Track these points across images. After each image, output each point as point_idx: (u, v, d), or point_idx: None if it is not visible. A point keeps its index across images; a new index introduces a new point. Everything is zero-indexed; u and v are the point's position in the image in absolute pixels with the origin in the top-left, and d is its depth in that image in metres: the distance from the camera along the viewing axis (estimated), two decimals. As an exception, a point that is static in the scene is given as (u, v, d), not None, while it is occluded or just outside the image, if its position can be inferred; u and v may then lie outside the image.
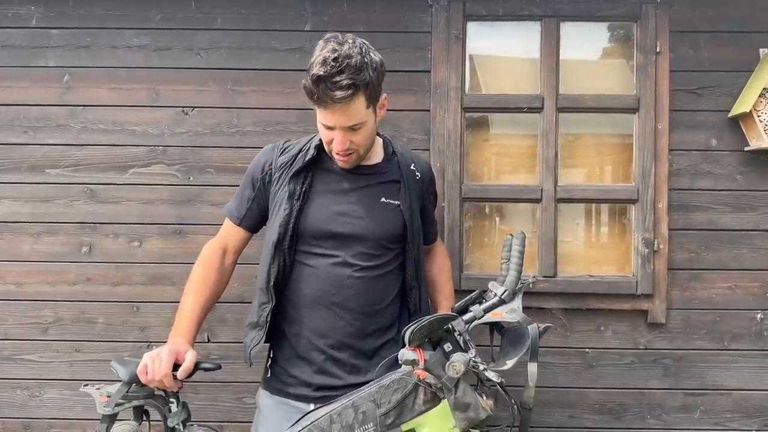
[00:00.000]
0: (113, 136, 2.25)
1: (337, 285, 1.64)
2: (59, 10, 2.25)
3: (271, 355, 1.75)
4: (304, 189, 1.65)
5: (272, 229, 1.67)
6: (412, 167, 1.77)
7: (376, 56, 1.55)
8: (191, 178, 2.25)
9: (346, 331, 1.65)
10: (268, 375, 1.74)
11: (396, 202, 1.70)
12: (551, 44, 2.23)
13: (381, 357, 1.65)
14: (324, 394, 1.60)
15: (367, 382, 1.57)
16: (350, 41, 1.51)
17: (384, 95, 1.63)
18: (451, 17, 2.23)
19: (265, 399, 1.73)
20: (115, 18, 2.25)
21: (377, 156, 1.75)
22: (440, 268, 1.95)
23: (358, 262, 1.65)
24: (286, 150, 1.72)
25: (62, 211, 2.25)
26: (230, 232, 1.78)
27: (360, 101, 1.52)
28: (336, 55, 1.47)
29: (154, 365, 1.51)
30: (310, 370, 1.66)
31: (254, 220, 1.76)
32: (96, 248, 2.25)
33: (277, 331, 1.72)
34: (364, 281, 1.65)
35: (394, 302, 1.73)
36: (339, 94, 1.47)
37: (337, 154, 1.61)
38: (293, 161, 1.68)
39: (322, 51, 1.49)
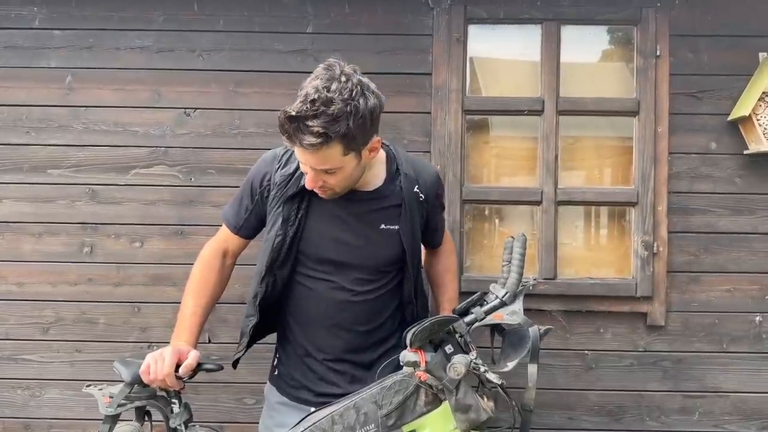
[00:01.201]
0: (115, 137, 2.25)
1: (333, 307, 1.65)
2: (62, 11, 2.25)
3: (277, 356, 1.77)
4: (300, 215, 1.61)
5: (266, 250, 1.64)
6: (415, 189, 1.67)
7: (368, 101, 1.42)
8: (193, 179, 2.26)
9: (345, 348, 1.67)
10: (276, 373, 1.76)
11: (395, 227, 1.64)
12: (552, 47, 2.24)
13: (381, 366, 1.65)
14: (325, 400, 1.60)
15: None
16: (343, 80, 1.39)
17: (375, 138, 1.51)
18: (453, 20, 2.24)
19: (272, 394, 1.76)
20: (117, 19, 2.25)
21: (378, 179, 1.66)
22: (446, 267, 1.92)
23: (355, 288, 1.64)
24: (287, 162, 1.65)
25: (64, 212, 2.26)
26: (228, 238, 1.76)
27: (334, 149, 1.41)
28: (317, 96, 1.36)
29: (157, 365, 1.52)
30: (313, 377, 1.68)
31: (252, 229, 1.75)
32: (97, 249, 2.26)
33: (283, 336, 1.74)
34: (360, 304, 1.65)
35: (392, 317, 1.73)
36: (308, 139, 1.37)
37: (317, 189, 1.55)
38: (288, 182, 1.61)
39: (311, 82, 1.40)
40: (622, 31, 2.32)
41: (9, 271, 2.26)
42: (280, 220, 1.61)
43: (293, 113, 1.37)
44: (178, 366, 1.54)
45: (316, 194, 1.59)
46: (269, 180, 1.65)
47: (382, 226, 1.63)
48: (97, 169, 2.26)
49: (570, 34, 2.28)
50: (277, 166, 1.65)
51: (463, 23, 2.24)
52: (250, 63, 2.25)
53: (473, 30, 2.29)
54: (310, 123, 1.36)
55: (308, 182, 1.52)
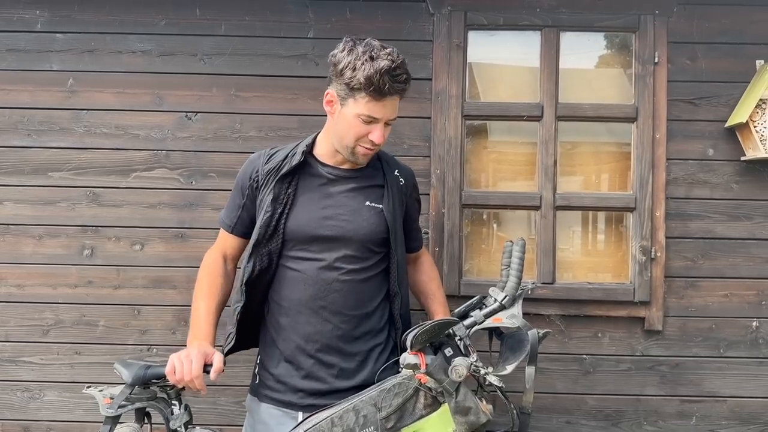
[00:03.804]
0: (116, 140, 2.27)
1: (324, 288, 1.66)
2: (64, 14, 2.27)
3: (259, 361, 1.77)
4: (289, 192, 1.68)
5: (254, 232, 1.70)
6: (395, 173, 1.80)
7: None
8: (193, 183, 2.27)
9: (334, 335, 1.67)
10: (256, 381, 1.75)
11: (379, 206, 1.72)
12: (551, 53, 2.26)
13: (370, 361, 1.68)
14: (312, 402, 1.61)
15: (355, 386, 1.60)
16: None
17: None
18: (453, 26, 2.25)
19: (253, 404, 1.75)
20: (119, 23, 2.27)
21: None
22: (429, 276, 1.97)
23: (344, 266, 1.67)
24: (272, 157, 1.74)
25: (64, 214, 2.26)
26: (225, 240, 1.81)
27: (398, 100, 1.62)
28: (392, 49, 1.57)
29: (184, 366, 1.51)
30: (297, 374, 1.67)
31: (245, 227, 1.78)
32: (98, 251, 2.27)
33: (265, 336, 1.74)
34: (350, 284, 1.67)
35: (381, 307, 1.75)
36: (399, 86, 1.56)
37: (367, 149, 1.64)
38: (279, 166, 1.70)
39: (370, 42, 1.57)
40: (621, 38, 2.34)
41: (9, 273, 2.27)
42: (270, 198, 1.67)
43: (389, 65, 1.53)
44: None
45: (305, 175, 1.71)
46: (257, 173, 1.73)
47: (367, 202, 1.71)
48: (98, 172, 2.27)
49: (569, 40, 2.30)
50: (264, 160, 1.74)
51: (463, 29, 2.26)
52: (252, 67, 2.27)
53: (473, 36, 2.30)
54: (399, 72, 1.56)
55: (379, 137, 1.62)
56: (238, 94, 2.27)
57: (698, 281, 2.26)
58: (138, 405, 1.61)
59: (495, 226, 2.39)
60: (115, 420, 1.61)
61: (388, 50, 1.56)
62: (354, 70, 1.54)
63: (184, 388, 1.63)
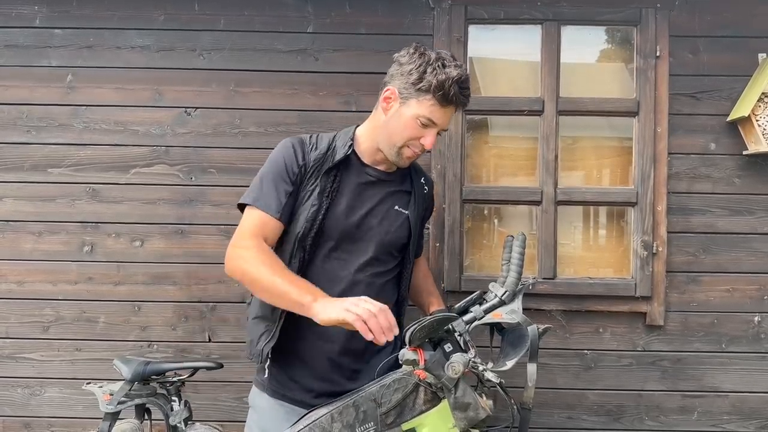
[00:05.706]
0: (116, 136, 2.26)
1: (348, 289, 1.65)
2: (63, 10, 2.26)
3: (269, 356, 1.72)
4: (333, 187, 1.66)
5: (297, 224, 1.64)
6: (422, 180, 1.82)
7: None
8: (193, 179, 2.26)
9: (352, 336, 1.64)
10: (266, 375, 1.72)
11: (406, 212, 1.73)
12: (552, 48, 2.24)
13: (377, 361, 1.66)
14: (322, 401, 1.59)
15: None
16: None
17: None
18: (453, 20, 2.24)
19: (260, 400, 1.73)
20: (118, 18, 2.26)
21: None
22: (425, 274, 1.99)
23: (369, 268, 1.68)
24: (315, 145, 1.68)
25: (64, 211, 2.26)
26: (267, 225, 1.64)
27: (455, 111, 1.66)
28: (461, 62, 1.63)
29: (378, 319, 1.40)
30: (311, 375, 1.67)
31: (288, 214, 1.66)
32: (98, 247, 2.26)
33: (280, 332, 1.70)
34: (372, 287, 1.67)
35: (393, 311, 1.73)
36: (464, 99, 1.61)
37: (415, 152, 1.65)
38: (324, 158, 1.66)
39: (442, 56, 1.58)
40: (622, 31, 2.32)
41: (9, 270, 2.27)
42: (317, 191, 1.64)
43: (462, 75, 1.57)
44: None
45: (346, 172, 1.68)
46: (305, 159, 1.66)
47: (396, 207, 1.72)
48: (97, 168, 2.26)
49: (570, 34, 2.28)
50: (309, 149, 1.68)
51: (463, 23, 2.24)
52: (251, 62, 2.26)
53: (473, 30, 2.29)
54: (466, 84, 1.60)
55: (431, 143, 1.64)
56: (238, 89, 2.26)
57: (700, 276, 2.26)
58: (138, 401, 1.62)
59: (496, 221, 2.38)
60: (114, 416, 1.61)
61: (458, 62, 1.60)
62: (425, 72, 1.56)
63: (183, 384, 1.64)
